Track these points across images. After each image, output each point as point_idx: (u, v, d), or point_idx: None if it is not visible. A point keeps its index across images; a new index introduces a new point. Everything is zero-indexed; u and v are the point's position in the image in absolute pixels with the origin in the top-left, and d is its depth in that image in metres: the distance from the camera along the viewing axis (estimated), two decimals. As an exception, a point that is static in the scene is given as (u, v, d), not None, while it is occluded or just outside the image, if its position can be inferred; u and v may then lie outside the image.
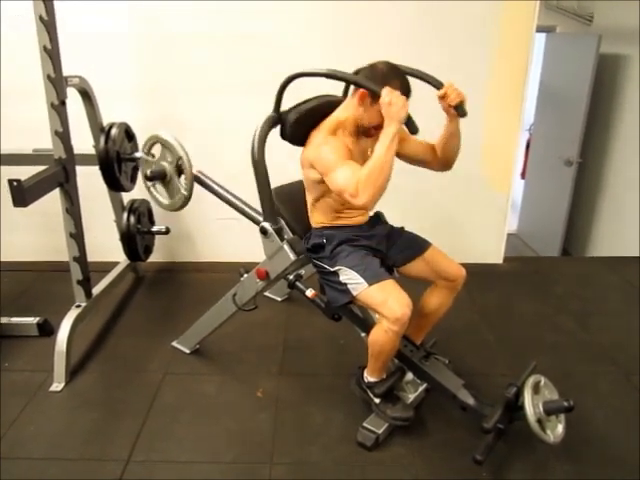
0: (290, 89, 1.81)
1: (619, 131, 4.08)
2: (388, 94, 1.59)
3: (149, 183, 2.15)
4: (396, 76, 1.71)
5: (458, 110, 1.74)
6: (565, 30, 4.64)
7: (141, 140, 2.67)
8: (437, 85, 1.75)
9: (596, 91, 4.07)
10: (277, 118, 1.88)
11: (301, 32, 2.86)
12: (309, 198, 1.95)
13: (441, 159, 1.90)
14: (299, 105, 1.88)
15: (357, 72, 1.77)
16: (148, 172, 2.09)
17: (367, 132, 1.81)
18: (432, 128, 1.81)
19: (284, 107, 1.88)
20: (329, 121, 1.82)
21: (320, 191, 1.86)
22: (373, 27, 2.80)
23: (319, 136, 1.79)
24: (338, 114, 1.84)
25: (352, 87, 1.83)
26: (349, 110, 1.80)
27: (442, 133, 1.84)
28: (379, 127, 1.70)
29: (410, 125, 1.64)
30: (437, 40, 2.87)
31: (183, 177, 2.07)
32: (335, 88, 1.97)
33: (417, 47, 2.86)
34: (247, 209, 2.10)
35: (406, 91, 1.70)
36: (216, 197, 2.17)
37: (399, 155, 1.92)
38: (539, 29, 2.99)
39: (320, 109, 1.87)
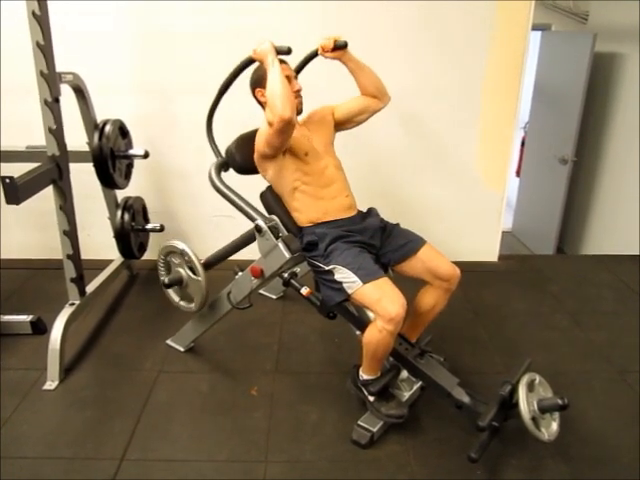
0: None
1: (614, 130, 4.08)
2: (252, 50, 1.82)
3: (169, 290, 2.27)
4: None
5: (339, 47, 1.88)
6: (560, 28, 4.64)
7: (135, 137, 2.68)
8: (314, 53, 1.94)
9: (591, 89, 4.07)
10: (223, 160, 2.08)
11: (299, 30, 2.81)
12: (287, 201, 1.98)
13: (371, 94, 2.03)
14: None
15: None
16: (166, 280, 2.19)
17: None
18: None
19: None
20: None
21: (288, 181, 1.91)
22: (370, 27, 2.78)
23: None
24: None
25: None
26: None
27: (353, 78, 2.00)
28: None
29: (281, 50, 1.79)
30: (432, 39, 2.86)
31: (196, 276, 2.15)
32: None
33: (413, 47, 2.86)
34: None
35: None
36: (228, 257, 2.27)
37: (345, 125, 2.08)
38: (534, 27, 2.99)
39: (253, 134, 1.97)
